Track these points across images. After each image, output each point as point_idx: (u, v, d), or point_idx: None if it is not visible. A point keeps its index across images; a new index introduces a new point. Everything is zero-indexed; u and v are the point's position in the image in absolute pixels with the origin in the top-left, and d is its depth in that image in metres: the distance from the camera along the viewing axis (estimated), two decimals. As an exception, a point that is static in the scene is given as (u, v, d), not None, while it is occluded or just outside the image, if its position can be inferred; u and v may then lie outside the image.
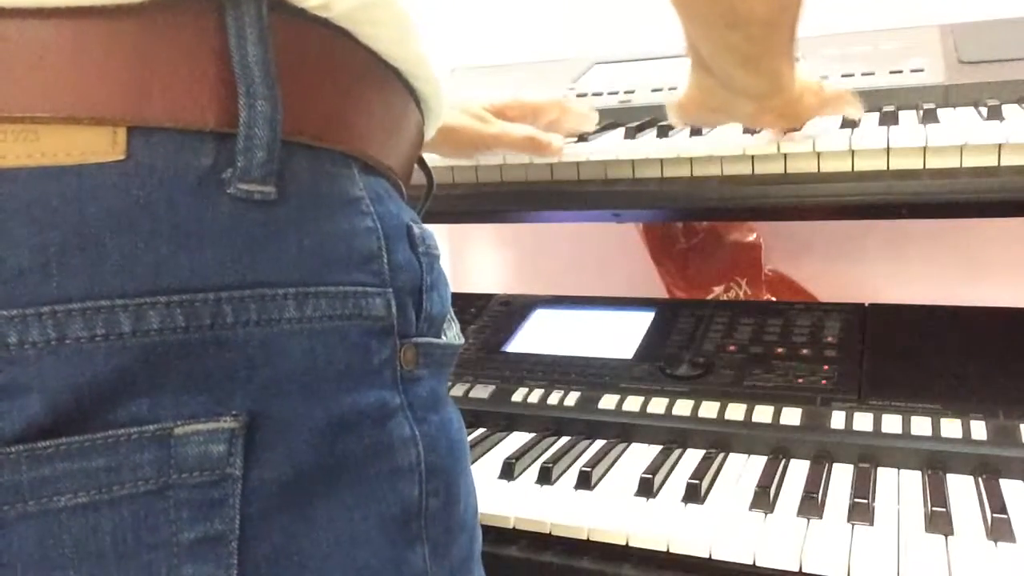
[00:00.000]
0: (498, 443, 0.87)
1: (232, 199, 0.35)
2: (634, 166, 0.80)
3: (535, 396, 0.91)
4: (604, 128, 0.93)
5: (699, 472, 0.74)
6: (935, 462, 0.73)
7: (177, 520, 0.34)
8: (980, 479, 0.70)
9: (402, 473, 0.41)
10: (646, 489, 0.73)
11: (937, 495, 0.67)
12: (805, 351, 0.92)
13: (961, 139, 0.69)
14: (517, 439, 0.87)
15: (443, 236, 1.44)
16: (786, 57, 0.61)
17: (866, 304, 0.99)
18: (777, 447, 0.79)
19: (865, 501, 0.66)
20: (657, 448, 0.82)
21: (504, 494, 0.75)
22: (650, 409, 0.86)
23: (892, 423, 0.77)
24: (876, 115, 0.81)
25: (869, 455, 0.75)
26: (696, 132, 0.84)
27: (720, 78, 0.63)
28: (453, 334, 0.49)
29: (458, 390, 0.95)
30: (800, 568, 0.61)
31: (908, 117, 0.80)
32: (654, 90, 1.03)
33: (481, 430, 0.90)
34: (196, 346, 0.34)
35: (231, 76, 0.35)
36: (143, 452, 0.33)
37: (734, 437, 0.81)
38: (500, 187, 0.86)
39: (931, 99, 0.86)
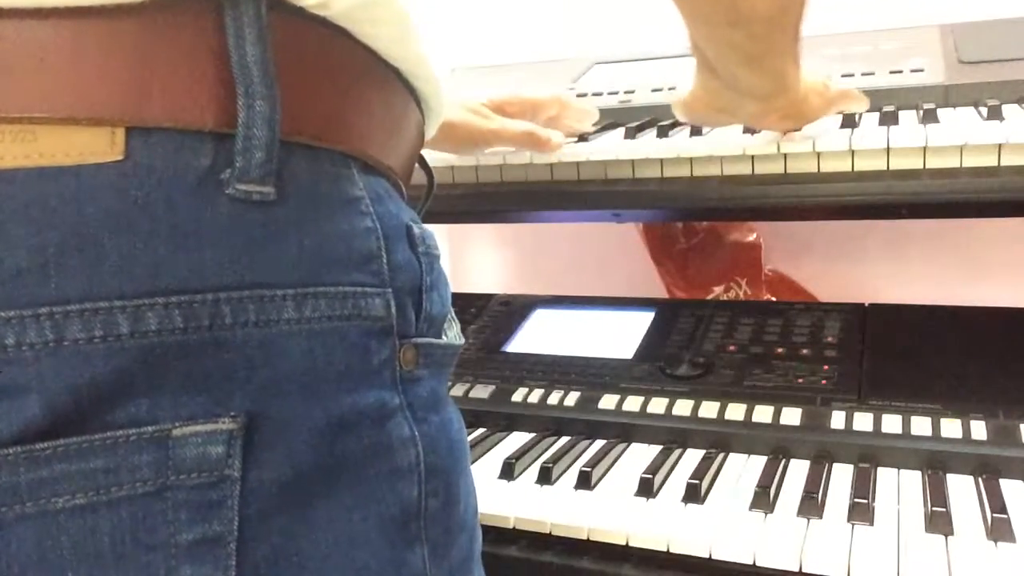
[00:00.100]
0: (498, 443, 0.87)
1: (231, 199, 0.35)
2: (634, 166, 0.80)
3: (535, 396, 0.91)
4: (604, 128, 0.93)
5: (699, 472, 0.74)
6: (935, 462, 0.73)
7: (175, 521, 0.34)
8: (980, 479, 0.70)
9: (401, 474, 0.41)
10: (646, 489, 0.73)
11: (937, 495, 0.66)
12: (805, 351, 0.92)
13: (961, 139, 0.68)
14: (517, 439, 0.87)
15: (443, 236, 1.44)
16: (790, 56, 0.60)
17: (866, 304, 0.99)
18: (777, 447, 0.79)
19: (865, 501, 0.66)
20: (657, 448, 0.82)
21: (504, 494, 0.75)
22: (650, 409, 0.86)
23: (892, 423, 0.77)
24: (876, 115, 0.81)
25: (869, 455, 0.75)
26: (696, 132, 0.83)
27: (724, 78, 0.63)
28: (454, 334, 0.49)
29: (458, 390, 0.95)
30: (800, 568, 0.61)
31: (908, 117, 0.80)
32: (654, 90, 1.02)
33: (481, 430, 0.90)
34: (194, 347, 0.34)
35: (230, 76, 0.35)
36: (141, 453, 0.33)
37: (734, 437, 0.81)
38: (500, 187, 0.86)
39: (931, 99, 0.86)
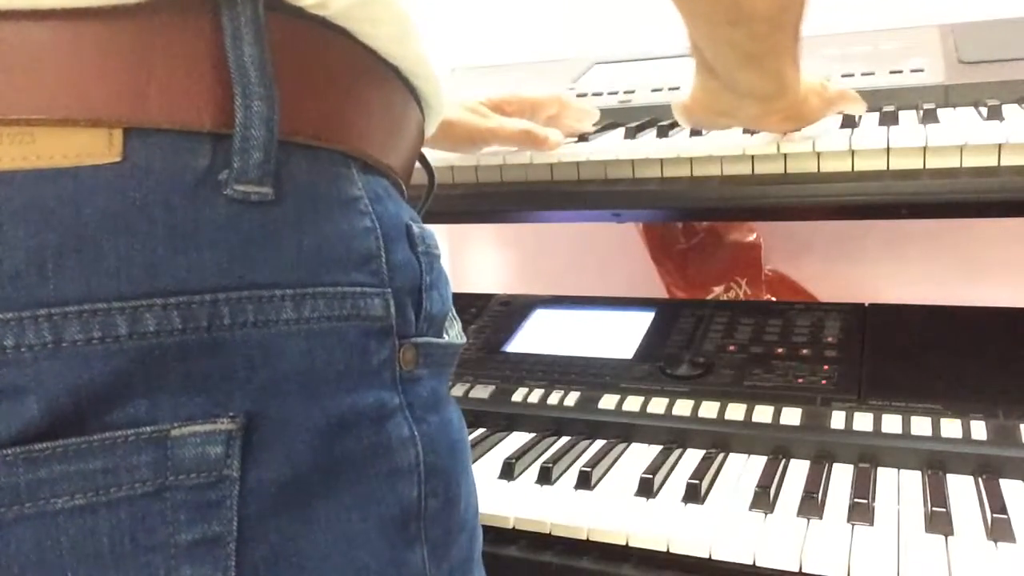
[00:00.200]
0: (498, 443, 0.87)
1: (229, 200, 0.35)
2: (634, 166, 0.80)
3: (535, 396, 0.91)
4: (604, 128, 0.93)
5: (699, 472, 0.74)
6: (935, 462, 0.73)
7: (175, 522, 0.34)
8: (980, 479, 0.70)
9: (401, 474, 0.41)
10: (646, 489, 0.73)
11: (937, 495, 0.66)
12: (805, 351, 0.91)
13: (961, 139, 0.68)
14: (517, 439, 0.87)
15: (443, 236, 1.44)
16: (790, 57, 0.60)
17: (866, 304, 0.99)
18: (777, 447, 0.79)
19: (865, 501, 0.66)
20: (657, 448, 0.82)
21: (504, 494, 0.75)
22: (650, 409, 0.86)
23: (892, 423, 0.77)
24: (876, 115, 0.81)
25: (869, 455, 0.75)
26: (696, 132, 0.83)
27: (724, 80, 0.63)
28: (455, 333, 0.49)
29: (458, 390, 0.95)
30: (800, 568, 0.61)
31: (908, 117, 0.80)
32: (654, 90, 1.02)
33: (481, 430, 0.90)
34: (193, 348, 0.34)
35: (227, 76, 0.35)
36: (140, 454, 0.33)
37: (734, 437, 0.81)
38: (500, 187, 0.86)
39: (931, 99, 0.86)
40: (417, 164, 0.52)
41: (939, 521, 0.63)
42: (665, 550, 0.65)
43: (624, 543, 0.67)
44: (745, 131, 0.79)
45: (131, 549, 0.33)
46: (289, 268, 0.37)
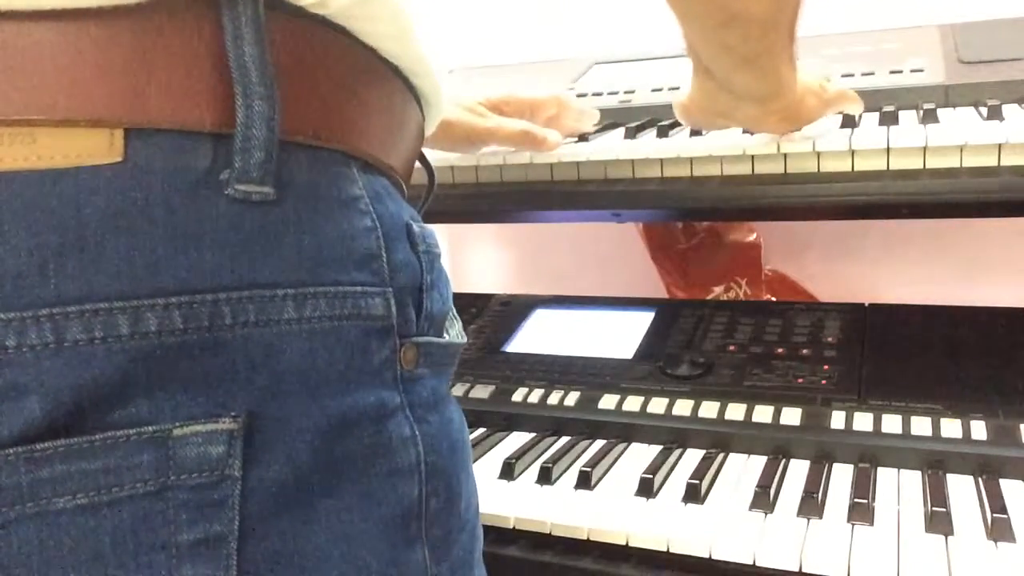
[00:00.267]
0: (498, 443, 0.87)
1: (230, 200, 0.35)
2: (634, 166, 0.80)
3: (535, 396, 0.91)
4: (604, 128, 0.93)
5: (699, 472, 0.74)
6: (935, 462, 0.73)
7: (176, 521, 0.34)
8: (980, 479, 0.70)
9: (402, 473, 0.41)
10: (646, 489, 0.73)
11: (937, 495, 0.66)
12: (805, 351, 0.92)
13: (961, 139, 0.68)
14: (517, 439, 0.87)
15: (443, 236, 1.44)
16: (786, 58, 0.60)
17: (866, 304, 0.99)
18: (777, 447, 0.79)
19: (865, 501, 0.66)
20: (657, 448, 0.82)
21: (504, 494, 0.75)
22: (650, 409, 0.86)
23: (892, 423, 0.77)
24: (876, 115, 0.81)
25: (869, 455, 0.75)
26: (696, 132, 0.83)
27: (720, 81, 0.63)
28: (455, 332, 0.49)
29: (458, 390, 0.95)
30: (800, 568, 0.61)
31: (908, 117, 0.80)
32: (654, 90, 1.03)
33: (481, 430, 0.90)
34: (194, 347, 0.34)
35: (228, 76, 0.35)
36: (142, 453, 0.33)
37: (734, 437, 0.81)
38: (500, 187, 0.86)
39: (931, 99, 0.86)
40: (417, 164, 0.52)
41: (939, 521, 0.63)
42: (665, 550, 0.65)
43: (624, 543, 0.67)
44: (745, 131, 0.79)
45: (133, 549, 0.33)
46: (290, 268, 0.37)
